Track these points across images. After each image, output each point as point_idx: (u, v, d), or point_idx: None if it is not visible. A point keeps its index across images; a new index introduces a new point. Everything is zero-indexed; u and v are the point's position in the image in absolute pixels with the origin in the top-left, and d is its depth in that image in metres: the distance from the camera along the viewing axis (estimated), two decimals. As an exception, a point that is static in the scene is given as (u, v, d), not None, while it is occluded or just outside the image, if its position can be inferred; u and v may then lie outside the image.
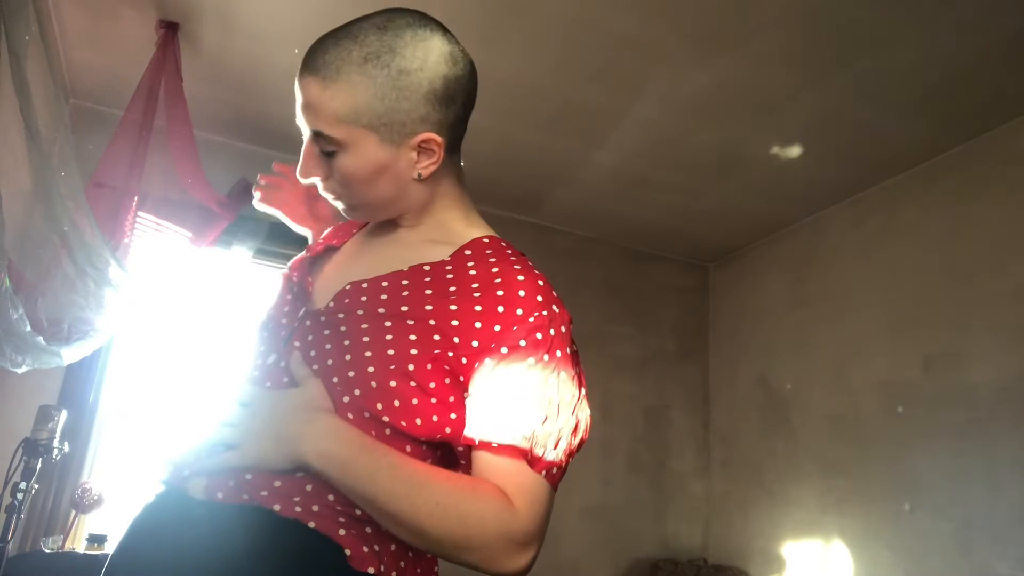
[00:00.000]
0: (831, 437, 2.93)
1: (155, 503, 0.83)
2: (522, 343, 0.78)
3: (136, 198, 2.31)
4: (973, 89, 2.31)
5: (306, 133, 0.85)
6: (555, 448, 0.78)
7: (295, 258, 1.01)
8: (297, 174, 0.87)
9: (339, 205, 0.92)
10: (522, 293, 0.80)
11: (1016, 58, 2.14)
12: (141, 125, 2.24)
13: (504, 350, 0.78)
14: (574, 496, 3.31)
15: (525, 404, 0.77)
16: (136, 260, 2.44)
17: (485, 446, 0.77)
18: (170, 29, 2.31)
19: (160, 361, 2.83)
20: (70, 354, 2.04)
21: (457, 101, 0.86)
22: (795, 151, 2.76)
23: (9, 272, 1.59)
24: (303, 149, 0.86)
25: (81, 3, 2.26)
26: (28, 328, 1.71)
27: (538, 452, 0.77)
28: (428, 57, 0.83)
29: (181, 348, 2.82)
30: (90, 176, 2.20)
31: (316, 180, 0.88)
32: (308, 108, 0.82)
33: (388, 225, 0.96)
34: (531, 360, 0.78)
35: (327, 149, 0.84)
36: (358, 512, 0.76)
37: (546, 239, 3.58)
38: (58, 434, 2.06)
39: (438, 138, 0.85)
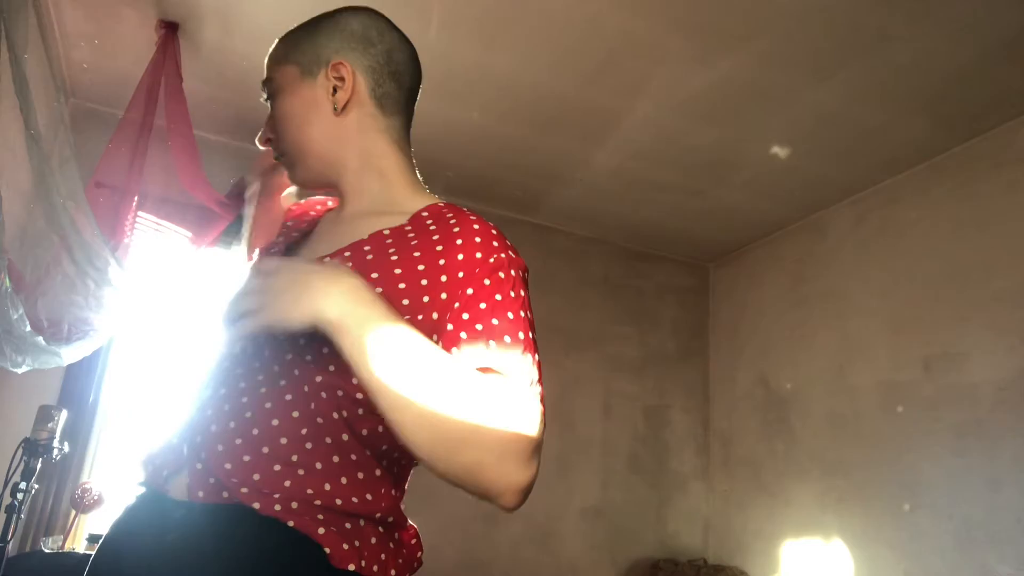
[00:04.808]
0: (831, 437, 2.93)
1: (135, 506, 0.83)
2: (486, 282, 0.80)
3: (136, 198, 2.32)
4: (973, 89, 2.31)
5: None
6: (538, 373, 0.78)
7: (262, 254, 1.02)
8: (256, 141, 0.98)
9: (287, 171, 0.99)
10: (478, 239, 0.82)
11: (1016, 58, 2.14)
12: (141, 125, 2.24)
13: (470, 291, 0.79)
14: (574, 496, 3.31)
15: (498, 334, 0.77)
16: (136, 260, 2.44)
17: None
18: (170, 29, 2.31)
19: (160, 361, 2.83)
20: (70, 354, 2.04)
21: (375, 46, 0.94)
22: (795, 151, 2.76)
23: (9, 272, 1.59)
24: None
25: (81, 3, 2.26)
26: (28, 328, 1.71)
27: (525, 379, 0.76)
28: (350, 10, 0.96)
29: (181, 348, 2.82)
30: (90, 176, 2.20)
31: (270, 147, 0.98)
32: (265, 70, 0.97)
33: (337, 209, 0.99)
34: (498, 296, 0.79)
35: (268, 94, 0.96)
36: (339, 502, 0.75)
37: (546, 239, 3.58)
38: (58, 434, 2.06)
39: (348, 64, 0.92)
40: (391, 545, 0.79)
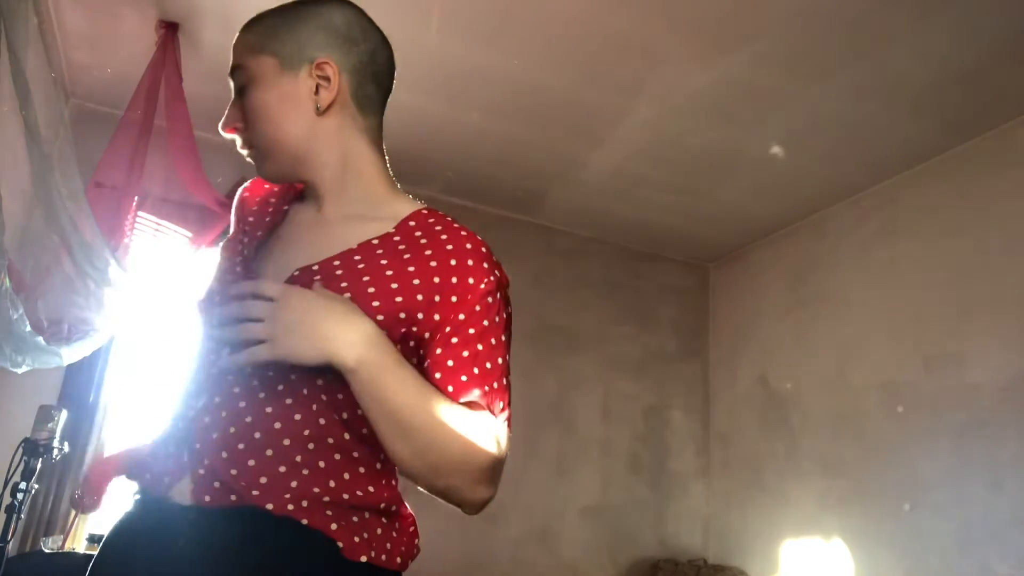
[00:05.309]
0: (831, 437, 2.93)
1: (136, 513, 0.82)
2: (477, 308, 0.84)
3: (136, 198, 2.32)
4: (973, 89, 2.31)
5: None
6: (508, 396, 0.86)
7: (229, 248, 0.96)
8: (220, 127, 0.91)
9: (255, 164, 0.93)
10: (470, 262, 0.85)
11: (1016, 58, 2.14)
12: (141, 125, 2.24)
13: (462, 316, 0.83)
14: (574, 496, 3.31)
15: (483, 362, 0.83)
16: (136, 260, 2.44)
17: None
18: (170, 29, 2.31)
19: (160, 361, 2.83)
20: (70, 354, 2.04)
21: (359, 45, 0.91)
22: (795, 151, 2.76)
23: (9, 272, 1.59)
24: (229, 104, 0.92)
25: (81, 3, 2.27)
26: (28, 328, 1.71)
27: (497, 406, 0.84)
28: (331, 3, 0.92)
29: (180, 348, 2.82)
30: (90, 176, 2.20)
31: (235, 136, 0.92)
32: (232, 55, 0.91)
33: (313, 206, 0.94)
34: (485, 323, 0.84)
35: (239, 83, 0.90)
36: (345, 497, 0.77)
37: (546, 239, 3.58)
38: (58, 434, 2.05)
39: (334, 64, 0.88)
40: (394, 534, 0.82)
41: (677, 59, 2.30)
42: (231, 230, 1.00)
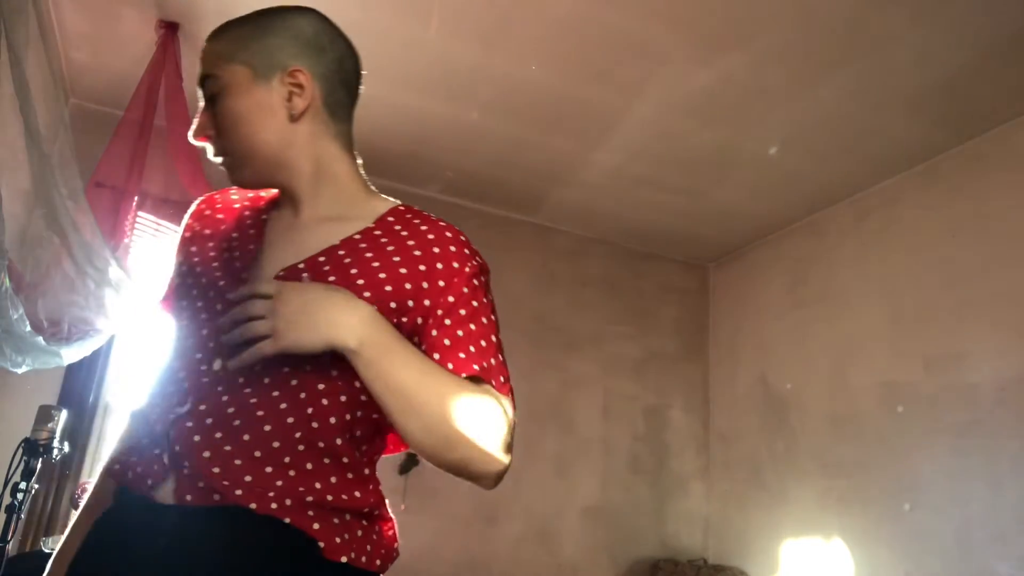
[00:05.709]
0: (831, 437, 2.93)
1: (118, 510, 0.83)
2: (464, 290, 0.87)
3: (136, 198, 2.32)
4: (973, 89, 2.31)
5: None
6: (507, 372, 0.88)
7: (201, 262, 0.93)
8: (190, 135, 0.92)
9: (229, 171, 0.94)
10: (453, 248, 0.88)
11: (1016, 58, 2.14)
12: (141, 125, 2.24)
13: (451, 299, 0.86)
14: (574, 496, 3.31)
15: (477, 340, 0.86)
16: (136, 260, 2.44)
17: None
18: (170, 29, 2.31)
19: (160, 361, 2.83)
20: (70, 354, 2.04)
21: (328, 53, 0.92)
22: (795, 151, 2.76)
23: (9, 272, 1.59)
24: (198, 112, 0.92)
25: (81, 3, 2.27)
26: (28, 328, 1.71)
27: (499, 379, 0.86)
28: (298, 12, 0.93)
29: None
30: (90, 176, 2.20)
31: (207, 144, 0.92)
32: (201, 65, 0.91)
33: (289, 211, 0.94)
34: (474, 303, 0.87)
35: (210, 92, 0.90)
36: (329, 499, 0.78)
37: (546, 239, 3.58)
38: (58, 434, 2.05)
39: (306, 72, 0.90)
40: (374, 536, 0.83)
41: (677, 59, 2.30)
42: (182, 238, 0.98)
